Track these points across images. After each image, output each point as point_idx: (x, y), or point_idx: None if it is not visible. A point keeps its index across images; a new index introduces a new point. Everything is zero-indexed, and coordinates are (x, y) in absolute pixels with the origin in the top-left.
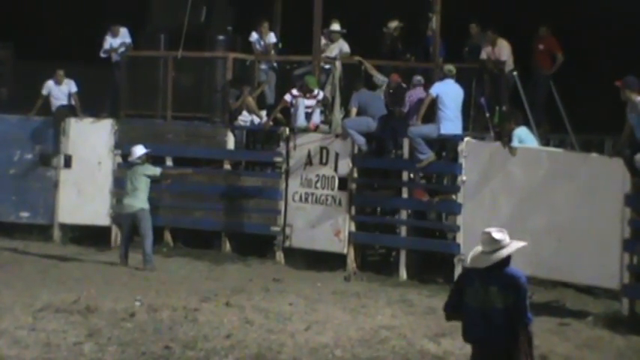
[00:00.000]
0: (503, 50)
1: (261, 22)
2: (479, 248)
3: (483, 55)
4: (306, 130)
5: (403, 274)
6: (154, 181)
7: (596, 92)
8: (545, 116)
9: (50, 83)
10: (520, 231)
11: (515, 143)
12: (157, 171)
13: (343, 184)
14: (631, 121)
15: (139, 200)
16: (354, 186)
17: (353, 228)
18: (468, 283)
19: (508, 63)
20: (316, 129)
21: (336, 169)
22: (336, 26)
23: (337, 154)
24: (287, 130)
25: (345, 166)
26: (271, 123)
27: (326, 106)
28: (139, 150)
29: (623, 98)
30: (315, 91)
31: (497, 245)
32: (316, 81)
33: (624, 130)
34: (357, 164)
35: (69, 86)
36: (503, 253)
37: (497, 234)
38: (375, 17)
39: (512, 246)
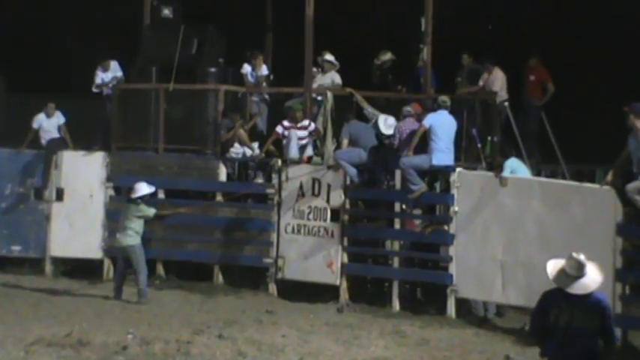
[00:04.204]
0: (497, 81)
1: (254, 54)
2: (559, 265)
3: (480, 83)
4: (298, 162)
5: (396, 305)
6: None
7: (588, 123)
8: (537, 147)
9: (41, 116)
10: (512, 261)
11: (506, 174)
12: (150, 212)
13: (335, 215)
14: (630, 146)
15: (127, 236)
16: (346, 217)
17: (345, 259)
18: (554, 303)
19: (501, 94)
20: (308, 160)
21: (328, 201)
22: (329, 56)
23: (329, 186)
24: (279, 161)
25: (337, 197)
26: (263, 155)
27: (318, 137)
28: (144, 189)
29: (628, 124)
30: (306, 122)
31: (584, 271)
32: (300, 105)
33: (621, 155)
34: (349, 195)
35: (58, 119)
36: (593, 282)
37: (584, 260)
38: (366, 49)
39: (599, 275)
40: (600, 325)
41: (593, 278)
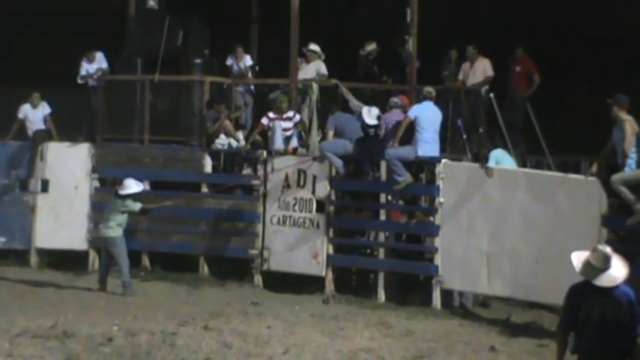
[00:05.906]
0: (488, 66)
1: (235, 47)
2: (583, 257)
3: (460, 76)
4: (283, 153)
5: (381, 296)
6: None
7: (573, 114)
8: (522, 138)
9: (26, 107)
10: (498, 252)
11: (492, 164)
12: (136, 207)
13: (321, 206)
14: (615, 138)
15: (108, 229)
16: (331, 208)
17: (331, 250)
18: (584, 296)
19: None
20: (294, 152)
21: (313, 192)
22: (313, 46)
23: (315, 177)
24: (264, 153)
25: (323, 188)
26: (249, 146)
27: (303, 128)
28: (133, 186)
29: (612, 115)
30: (291, 114)
31: (609, 263)
32: (285, 96)
33: (605, 147)
34: (334, 186)
35: (43, 109)
36: (620, 275)
37: (610, 252)
38: (351, 40)
39: (624, 267)
40: (629, 318)
41: (619, 270)
